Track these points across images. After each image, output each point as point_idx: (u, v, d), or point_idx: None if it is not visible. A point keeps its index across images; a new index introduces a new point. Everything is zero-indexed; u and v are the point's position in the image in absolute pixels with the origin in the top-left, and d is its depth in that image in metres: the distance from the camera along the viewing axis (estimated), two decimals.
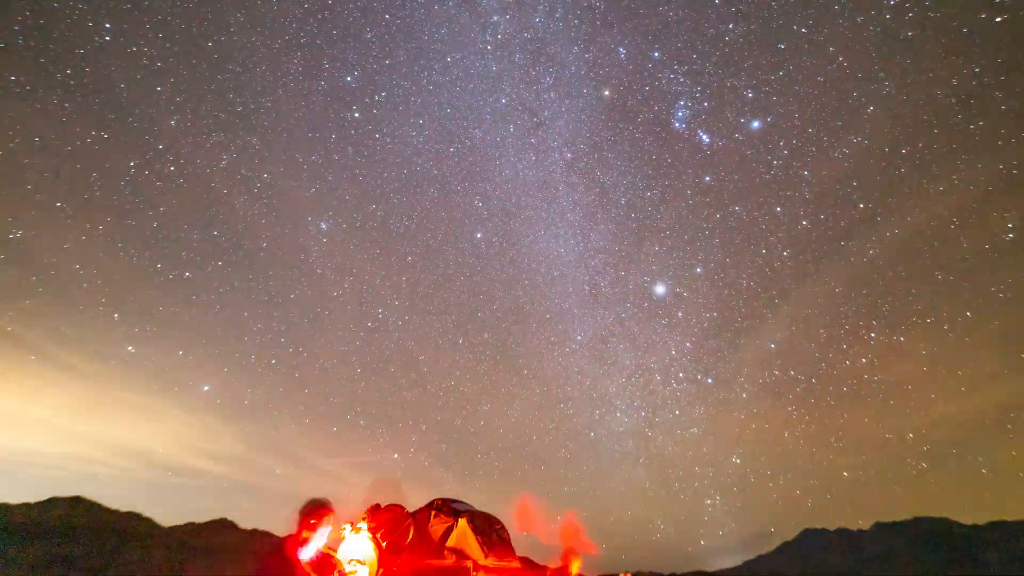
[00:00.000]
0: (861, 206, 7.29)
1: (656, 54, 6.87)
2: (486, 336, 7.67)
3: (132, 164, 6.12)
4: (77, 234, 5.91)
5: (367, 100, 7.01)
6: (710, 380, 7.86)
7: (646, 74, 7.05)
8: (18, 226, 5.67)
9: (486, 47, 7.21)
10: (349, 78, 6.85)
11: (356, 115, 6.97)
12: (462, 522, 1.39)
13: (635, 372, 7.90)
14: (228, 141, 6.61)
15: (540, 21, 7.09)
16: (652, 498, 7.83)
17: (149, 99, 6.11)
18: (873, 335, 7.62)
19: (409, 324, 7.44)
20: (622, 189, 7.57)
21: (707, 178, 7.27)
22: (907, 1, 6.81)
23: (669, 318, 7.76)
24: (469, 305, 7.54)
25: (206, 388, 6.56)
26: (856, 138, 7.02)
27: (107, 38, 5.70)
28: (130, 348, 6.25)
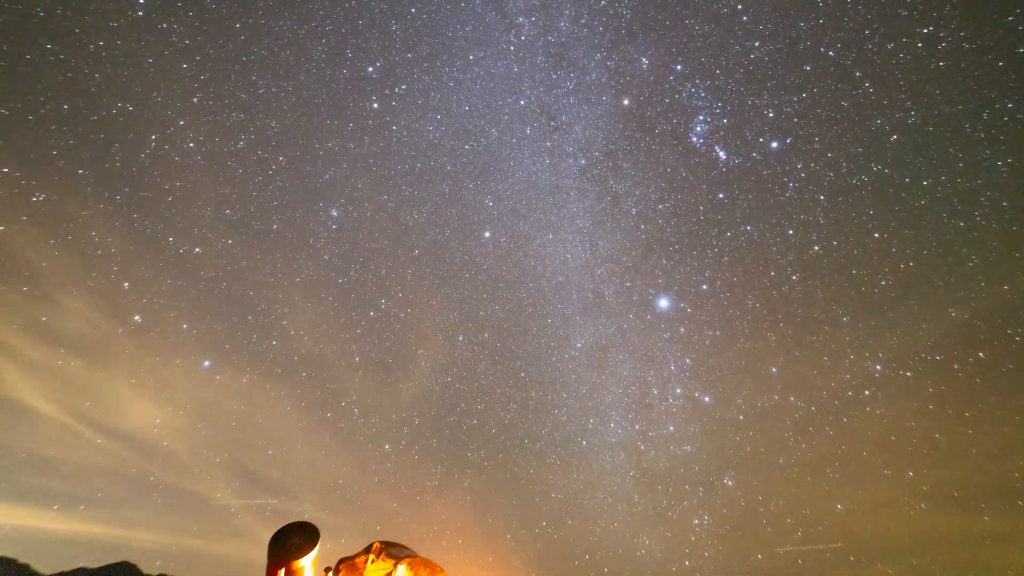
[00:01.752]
0: (876, 235, 7.12)
1: (679, 67, 6.77)
2: (486, 335, 7.68)
3: (153, 138, 6.21)
4: (95, 202, 6.02)
5: (387, 92, 7.04)
6: (707, 399, 7.74)
7: (667, 86, 6.96)
8: (41, 189, 5.78)
9: (509, 48, 7.18)
10: (371, 68, 6.87)
11: (375, 106, 6.99)
12: (402, 567, 1.31)
13: (632, 384, 7.83)
14: (247, 122, 6.69)
15: (565, 26, 7.05)
16: (639, 512, 7.80)
17: (175, 75, 6.20)
18: (879, 368, 7.45)
19: (411, 317, 7.48)
20: (634, 199, 7.50)
21: (721, 195, 7.17)
22: (942, 31, 6.66)
23: (671, 332, 7.65)
24: (472, 303, 7.58)
25: (207, 363, 6.66)
26: (877, 166, 6.86)
27: (140, 13, 5.80)
28: (136, 318, 6.35)
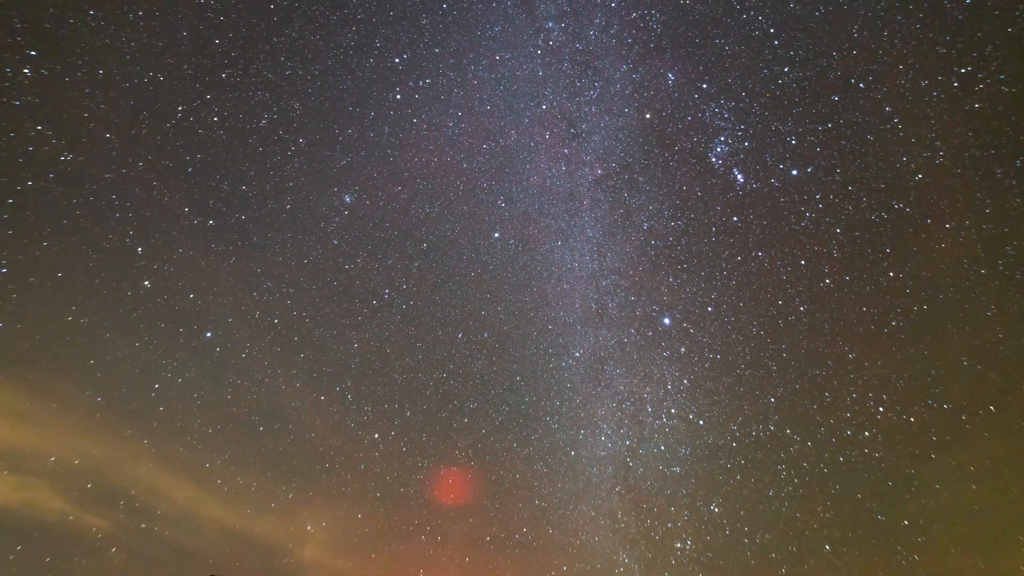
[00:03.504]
0: (891, 274, 6.95)
1: (704, 86, 6.71)
2: (485, 335, 7.67)
3: (180, 109, 6.34)
4: (119, 166, 6.17)
5: (411, 84, 7.09)
6: (702, 422, 7.62)
7: (691, 104, 6.89)
8: (70, 150, 5.95)
9: (536, 51, 7.19)
10: (398, 60, 6.93)
11: (398, 97, 7.05)
12: None
13: (627, 399, 7.75)
14: (271, 101, 6.79)
15: (594, 35, 7.03)
16: (621, 530, 7.72)
17: (207, 49, 6.33)
18: (881, 409, 7.25)
19: (413, 310, 7.51)
20: (647, 214, 7.44)
21: (735, 218, 7.06)
22: (980, 71, 6.50)
23: (671, 351, 7.56)
24: (474, 301, 7.59)
25: (208, 335, 6.76)
26: (898, 204, 6.69)
27: None
28: (146, 283, 6.48)
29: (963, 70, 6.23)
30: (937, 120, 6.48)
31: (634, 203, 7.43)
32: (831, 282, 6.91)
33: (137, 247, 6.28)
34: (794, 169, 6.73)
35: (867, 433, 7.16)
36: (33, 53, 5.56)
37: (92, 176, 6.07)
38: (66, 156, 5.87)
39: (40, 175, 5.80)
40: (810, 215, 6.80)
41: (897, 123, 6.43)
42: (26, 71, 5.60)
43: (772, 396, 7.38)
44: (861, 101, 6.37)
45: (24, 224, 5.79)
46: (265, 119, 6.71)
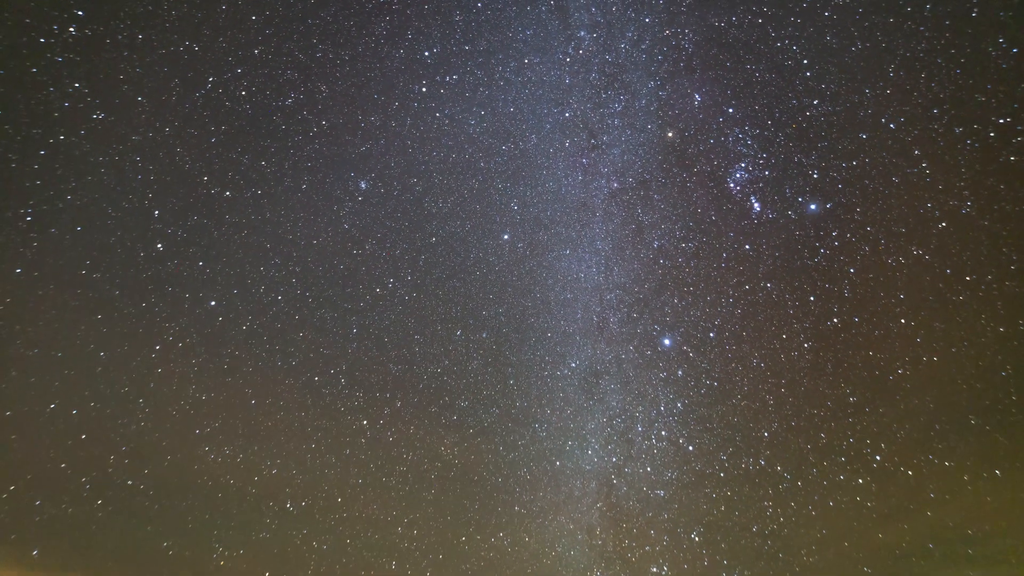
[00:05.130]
0: (902, 321, 6.75)
1: (730, 110, 6.63)
2: (484, 335, 7.66)
3: (210, 80, 6.48)
4: (146, 130, 6.32)
5: (438, 79, 7.14)
6: (691, 448, 7.50)
7: (714, 127, 6.82)
8: (102, 109, 6.12)
9: (565, 59, 7.19)
10: (427, 53, 6.99)
11: (423, 90, 7.11)
12: None
13: (619, 416, 7.66)
14: (299, 82, 6.90)
15: (625, 48, 7.00)
16: (599, 547, 7.62)
17: (242, 25, 6.46)
18: (878, 458, 7.05)
19: (415, 302, 7.53)
20: (658, 233, 7.36)
21: (747, 246, 6.95)
22: (1021, 124, 6.31)
23: (669, 372, 7.46)
24: (476, 300, 7.59)
25: (212, 303, 6.87)
26: (917, 250, 6.51)
27: None
28: (159, 245, 6.62)
29: (1002, 120, 6.06)
30: (968, 169, 6.31)
31: (647, 220, 7.37)
32: (839, 322, 6.75)
33: (155, 210, 6.42)
34: (813, 203, 6.61)
35: (861, 480, 6.97)
36: (80, 13, 5.74)
37: (120, 136, 6.23)
38: (98, 115, 6.04)
39: (72, 131, 5.97)
40: (824, 252, 6.67)
41: (925, 167, 6.27)
42: (71, 29, 5.78)
43: (766, 430, 7.23)
44: (890, 142, 6.24)
45: (51, 176, 5.97)
46: (291, 98, 6.82)
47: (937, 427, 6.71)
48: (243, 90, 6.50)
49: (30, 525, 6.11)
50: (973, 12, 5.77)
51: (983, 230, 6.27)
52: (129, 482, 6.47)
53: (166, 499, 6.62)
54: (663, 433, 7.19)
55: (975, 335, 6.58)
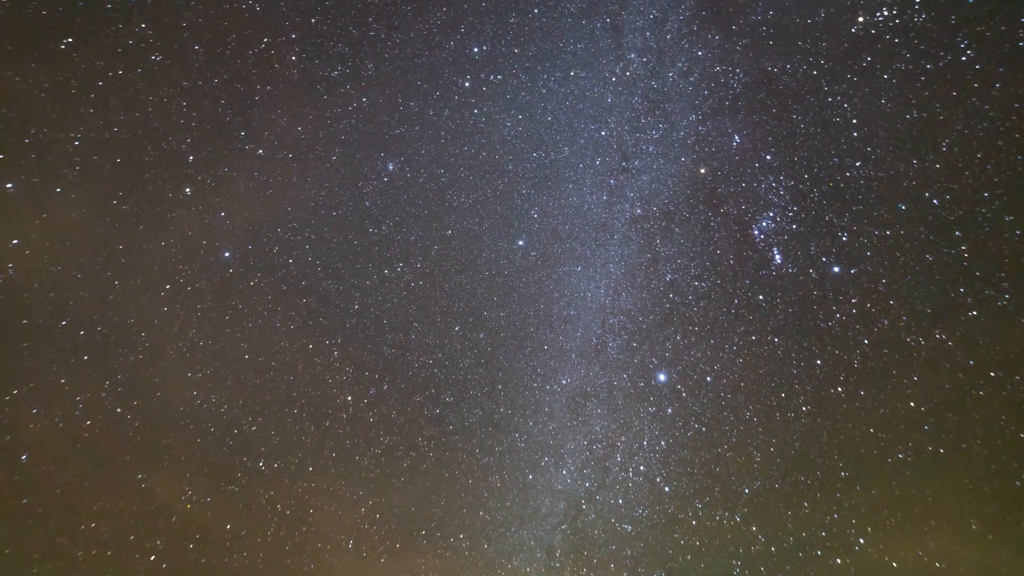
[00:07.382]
0: (912, 404, 6.44)
1: (768, 157, 6.48)
2: (481, 336, 7.65)
3: (264, 40, 6.67)
4: (197, 78, 6.55)
5: (482, 76, 7.19)
6: (668, 489, 7.31)
7: (749, 171, 6.67)
8: (161, 52, 6.36)
9: (611, 78, 7.14)
10: (476, 50, 7.05)
11: (467, 84, 7.16)
12: None
13: (599, 441, 7.53)
14: (348, 56, 7.04)
15: (673, 77, 6.92)
16: (556, 569, 7.49)
17: None
18: (862, 541, 6.72)
19: (420, 290, 7.58)
20: (673, 267, 7.23)
21: (761, 296, 6.76)
22: None
23: (658, 408, 7.30)
24: (480, 300, 7.59)
25: (226, 255, 7.06)
26: (940, 334, 6.21)
27: None
28: (187, 189, 6.84)
29: None
30: (1012, 260, 5.99)
31: (664, 252, 7.25)
32: (843, 392, 6.49)
33: (189, 155, 6.64)
34: (837, 266, 6.38)
35: (839, 561, 6.65)
36: None
37: (172, 80, 6.47)
38: (155, 56, 6.29)
39: (131, 68, 6.23)
40: (840, 317, 6.42)
41: (964, 251, 5.99)
42: None
43: (748, 487, 6.99)
44: (930, 218, 5.98)
45: (104, 107, 6.23)
46: (338, 71, 6.97)
47: (933, 523, 6.36)
48: (293, 55, 6.68)
49: (23, 434, 6.35)
50: None
51: (1019, 327, 5.93)
52: (118, 409, 6.67)
53: (148, 434, 6.79)
54: (641, 468, 7.03)
55: (991, 436, 6.22)
